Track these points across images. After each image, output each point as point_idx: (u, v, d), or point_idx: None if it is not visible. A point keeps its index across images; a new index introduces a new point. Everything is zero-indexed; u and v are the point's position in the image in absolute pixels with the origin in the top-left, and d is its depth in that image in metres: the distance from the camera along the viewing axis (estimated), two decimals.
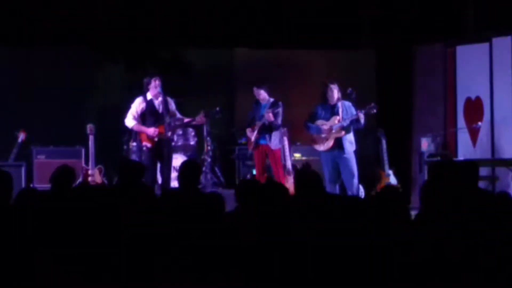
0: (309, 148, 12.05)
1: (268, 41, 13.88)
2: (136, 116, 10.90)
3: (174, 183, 10.90)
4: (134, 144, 11.75)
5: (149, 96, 10.91)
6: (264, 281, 5.05)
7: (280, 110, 11.46)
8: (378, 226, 5.26)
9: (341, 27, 13.94)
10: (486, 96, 12.49)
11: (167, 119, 10.87)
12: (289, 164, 11.81)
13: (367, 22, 14.22)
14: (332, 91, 10.68)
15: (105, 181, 12.05)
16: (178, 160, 11.58)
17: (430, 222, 5.52)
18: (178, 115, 11.12)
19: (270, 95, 11.57)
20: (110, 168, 12.07)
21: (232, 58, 14.08)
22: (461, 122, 12.91)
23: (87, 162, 12.18)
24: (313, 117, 10.83)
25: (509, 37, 12.12)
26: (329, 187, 10.32)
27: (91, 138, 12.01)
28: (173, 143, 11.48)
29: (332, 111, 10.71)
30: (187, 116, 11.33)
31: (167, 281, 5.05)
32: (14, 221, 5.47)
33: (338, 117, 10.64)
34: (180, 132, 12.62)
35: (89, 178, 11.96)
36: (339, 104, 10.69)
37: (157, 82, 10.86)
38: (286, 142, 11.95)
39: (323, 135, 10.67)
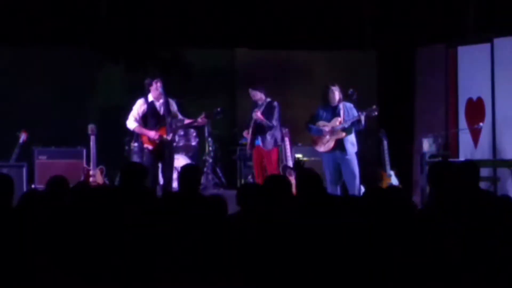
0: (310, 149, 12.04)
1: (269, 41, 13.88)
2: (137, 118, 10.89)
3: (176, 184, 10.89)
4: (136, 144, 11.75)
5: (150, 97, 10.90)
6: (264, 281, 5.06)
7: (274, 110, 11.41)
8: (379, 226, 5.26)
9: (342, 27, 13.94)
10: (488, 96, 12.48)
11: (169, 121, 10.85)
12: (290, 165, 11.81)
13: (368, 22, 14.22)
14: (333, 93, 10.68)
15: (107, 182, 12.05)
16: (179, 160, 11.59)
17: (432, 221, 5.53)
18: (180, 116, 11.10)
19: (266, 95, 11.54)
20: (111, 168, 12.06)
21: (233, 58, 14.08)
22: (462, 123, 12.90)
23: (88, 163, 12.18)
24: (315, 119, 10.82)
25: (510, 38, 12.11)
26: (330, 188, 10.33)
27: (92, 138, 12.01)
28: (174, 144, 11.47)
29: (334, 112, 10.70)
30: (188, 116, 11.32)
31: (167, 282, 5.05)
32: (16, 223, 5.47)
33: (339, 119, 10.63)
34: (182, 132, 12.61)
35: (91, 179, 11.95)
36: (341, 105, 10.68)
37: (159, 84, 10.83)
38: (287, 143, 11.95)
39: (324, 136, 10.66)
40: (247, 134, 11.58)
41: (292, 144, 12.37)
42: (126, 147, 12.52)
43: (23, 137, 12.18)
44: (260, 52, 13.98)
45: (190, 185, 6.90)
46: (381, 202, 5.34)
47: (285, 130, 12.14)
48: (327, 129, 10.64)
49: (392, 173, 12.31)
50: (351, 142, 10.65)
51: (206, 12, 13.69)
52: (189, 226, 5.40)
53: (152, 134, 10.78)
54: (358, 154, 10.73)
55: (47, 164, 12.32)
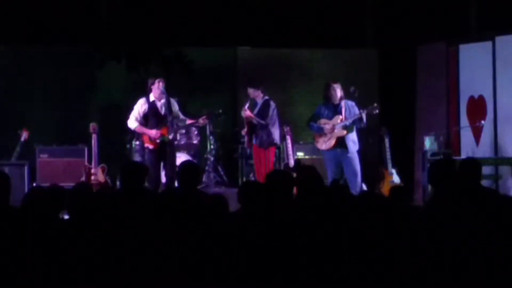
0: (312, 147, 12.04)
1: (270, 39, 13.87)
2: (138, 117, 10.89)
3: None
4: (137, 143, 11.75)
5: (151, 97, 10.89)
6: (264, 281, 5.06)
7: (269, 109, 11.36)
8: (379, 226, 5.26)
9: (344, 26, 13.93)
10: (489, 94, 12.47)
11: (170, 121, 10.84)
12: (292, 163, 11.80)
13: (369, 21, 14.22)
14: (335, 90, 10.68)
15: (108, 180, 12.05)
16: (181, 158, 11.58)
17: (433, 219, 5.53)
18: (181, 116, 11.10)
19: (264, 94, 11.50)
20: (113, 167, 12.06)
21: (235, 57, 14.07)
22: (464, 120, 12.90)
23: (90, 161, 12.18)
24: (316, 117, 10.82)
25: None
26: None
27: (94, 137, 12.01)
28: (176, 142, 11.47)
29: (335, 110, 10.70)
30: (189, 115, 11.32)
31: (167, 281, 5.05)
32: (16, 221, 5.47)
33: (341, 116, 10.64)
34: (183, 131, 12.61)
35: (92, 177, 11.95)
36: (342, 103, 10.69)
37: (161, 83, 10.82)
38: (289, 141, 11.95)
39: (325, 134, 10.66)
40: (245, 133, 11.58)
41: (294, 142, 12.37)
42: (128, 146, 12.53)
43: (24, 135, 12.17)
44: (262, 51, 13.97)
45: (189, 182, 6.92)
46: (380, 202, 5.35)
47: (287, 128, 12.13)
48: (328, 126, 10.64)
49: (393, 171, 12.30)
50: (352, 140, 10.65)
51: (208, 10, 13.69)
52: (188, 226, 5.40)
53: (153, 133, 10.78)
54: (359, 152, 10.72)
55: (49, 163, 12.32)
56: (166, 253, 5.15)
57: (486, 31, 12.62)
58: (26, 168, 11.80)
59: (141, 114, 10.89)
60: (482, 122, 12.40)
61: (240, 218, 5.81)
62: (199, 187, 9.27)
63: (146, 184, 8.88)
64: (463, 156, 12.33)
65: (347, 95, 10.79)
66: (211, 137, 12.87)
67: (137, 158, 11.76)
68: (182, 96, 11.57)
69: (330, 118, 10.70)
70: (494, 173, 12.02)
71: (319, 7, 13.83)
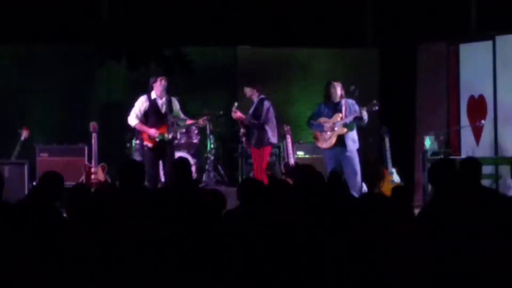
0: (311, 146, 12.04)
1: (271, 39, 13.87)
2: (139, 114, 10.88)
3: None
4: (137, 142, 11.75)
5: (153, 95, 10.89)
6: (264, 280, 5.05)
7: (263, 109, 11.30)
8: (379, 225, 5.25)
9: (344, 25, 13.93)
10: (490, 94, 12.48)
11: (170, 119, 10.83)
12: (292, 162, 11.79)
13: (370, 20, 14.21)
14: (335, 89, 10.68)
15: (108, 179, 12.06)
16: None
17: (433, 219, 5.53)
18: (182, 116, 11.10)
19: (260, 94, 11.46)
20: (113, 166, 12.06)
21: (235, 56, 14.07)
22: (464, 120, 12.90)
23: (90, 160, 12.19)
24: (316, 115, 10.82)
25: None
26: None
27: (94, 136, 12.02)
28: (176, 141, 11.46)
29: (336, 108, 10.69)
30: (189, 115, 11.32)
31: (164, 279, 5.05)
32: (11, 218, 5.47)
33: (340, 115, 10.63)
34: (183, 130, 12.61)
35: (92, 176, 11.96)
36: (343, 101, 10.68)
37: (163, 82, 10.79)
38: (289, 140, 11.94)
39: (325, 133, 10.65)
40: (242, 133, 11.58)
41: (294, 141, 12.36)
42: (128, 145, 12.53)
43: (24, 134, 12.18)
44: (262, 50, 13.97)
45: (183, 177, 6.96)
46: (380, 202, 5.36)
47: (287, 128, 12.13)
48: (328, 125, 10.63)
49: (393, 170, 12.30)
50: (352, 138, 10.64)
51: (208, 9, 13.69)
52: (187, 220, 5.41)
53: (152, 132, 10.77)
54: (359, 151, 10.71)
55: (49, 162, 12.31)
56: (164, 251, 5.14)
57: (486, 31, 12.63)
58: (26, 167, 11.80)
59: (142, 111, 10.87)
60: (482, 121, 12.41)
61: (239, 215, 5.82)
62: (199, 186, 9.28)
63: (146, 183, 8.89)
64: (463, 155, 12.33)
65: (347, 94, 10.78)
66: (211, 136, 12.87)
67: (137, 157, 11.75)
68: (182, 95, 11.57)
69: (330, 116, 10.68)
70: (494, 172, 12.03)
71: (319, 7, 13.83)
